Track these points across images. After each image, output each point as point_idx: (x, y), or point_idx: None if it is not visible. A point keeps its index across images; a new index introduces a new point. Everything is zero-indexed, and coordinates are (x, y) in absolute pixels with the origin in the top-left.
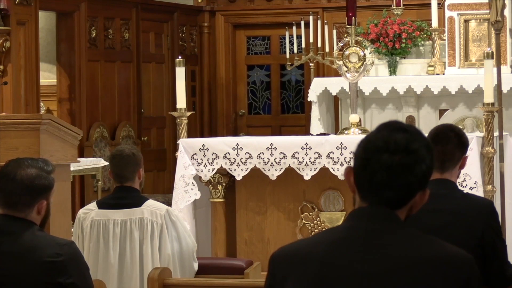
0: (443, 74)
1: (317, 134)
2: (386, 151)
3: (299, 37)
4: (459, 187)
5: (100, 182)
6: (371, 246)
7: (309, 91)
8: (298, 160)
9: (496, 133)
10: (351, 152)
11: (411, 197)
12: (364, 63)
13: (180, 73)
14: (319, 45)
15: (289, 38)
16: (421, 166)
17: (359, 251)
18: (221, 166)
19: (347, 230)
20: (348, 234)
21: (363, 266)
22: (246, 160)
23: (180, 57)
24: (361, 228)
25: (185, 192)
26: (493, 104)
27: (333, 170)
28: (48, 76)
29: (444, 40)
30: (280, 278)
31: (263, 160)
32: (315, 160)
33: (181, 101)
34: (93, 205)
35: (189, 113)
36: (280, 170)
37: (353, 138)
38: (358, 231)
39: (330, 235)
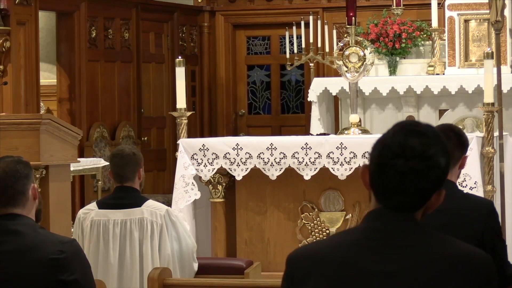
0: (443, 74)
1: (317, 134)
2: (401, 156)
3: (299, 37)
4: (459, 187)
5: (100, 182)
6: (391, 246)
7: (309, 91)
8: (298, 160)
9: (496, 133)
10: (350, 152)
11: (426, 200)
12: (364, 63)
13: (180, 73)
14: (319, 45)
15: (289, 38)
16: (437, 171)
17: (378, 251)
18: (221, 166)
19: (366, 231)
20: (367, 235)
21: (384, 266)
22: (246, 160)
23: (180, 57)
24: (380, 229)
25: (185, 192)
26: (493, 104)
27: (333, 170)
28: (48, 76)
29: (444, 40)
30: (298, 280)
31: (263, 160)
32: (315, 160)
33: (181, 101)
34: (93, 205)
35: (189, 113)
36: (280, 170)
37: (353, 138)
38: (377, 232)
39: (347, 236)
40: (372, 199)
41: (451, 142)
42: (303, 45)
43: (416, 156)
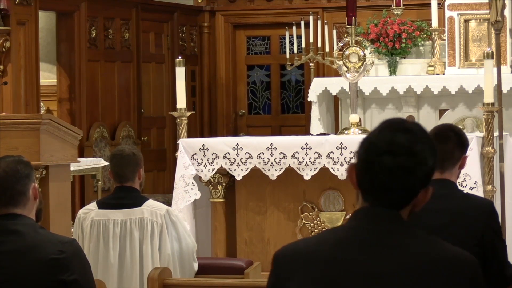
0: (443, 74)
1: (317, 134)
2: (388, 153)
3: (299, 37)
4: (459, 187)
5: (100, 182)
6: (376, 246)
7: (309, 91)
8: (298, 160)
9: (496, 133)
10: (350, 152)
11: (413, 197)
12: (364, 63)
13: (180, 73)
14: (319, 45)
15: (289, 38)
16: (423, 168)
17: (364, 251)
18: (221, 166)
19: (352, 230)
20: (352, 234)
21: (369, 266)
22: (246, 160)
23: (180, 57)
24: (366, 228)
25: (185, 192)
26: (493, 104)
27: (333, 170)
28: (48, 76)
29: (444, 40)
30: (284, 277)
31: (263, 160)
32: (315, 160)
33: (181, 101)
34: (93, 205)
35: (189, 113)
36: (280, 170)
37: (353, 138)
38: (362, 232)
39: (334, 235)
40: (359, 198)
41: (451, 142)
42: (303, 45)
43: (402, 152)
